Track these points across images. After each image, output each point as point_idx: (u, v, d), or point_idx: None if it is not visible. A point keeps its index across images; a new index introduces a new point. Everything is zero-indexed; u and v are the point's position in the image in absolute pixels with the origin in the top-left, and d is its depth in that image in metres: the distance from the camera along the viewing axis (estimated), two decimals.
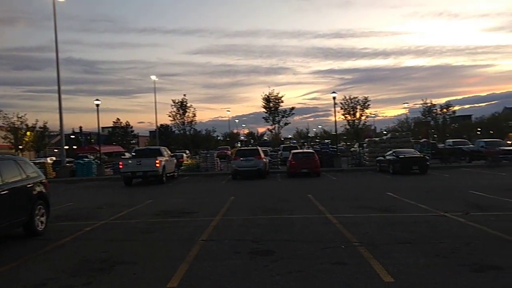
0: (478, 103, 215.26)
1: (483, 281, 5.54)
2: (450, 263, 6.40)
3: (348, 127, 38.95)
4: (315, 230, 9.27)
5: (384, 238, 8.20)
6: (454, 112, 39.85)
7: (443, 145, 40.98)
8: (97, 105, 34.41)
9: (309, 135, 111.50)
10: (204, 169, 31.39)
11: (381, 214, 11.09)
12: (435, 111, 39.14)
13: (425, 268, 6.19)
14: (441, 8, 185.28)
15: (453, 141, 40.10)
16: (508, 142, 66.71)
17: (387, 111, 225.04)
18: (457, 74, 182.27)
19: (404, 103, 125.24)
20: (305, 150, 31.45)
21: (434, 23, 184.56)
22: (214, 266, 6.62)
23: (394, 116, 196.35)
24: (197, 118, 54.22)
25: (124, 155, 45.83)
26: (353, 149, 37.20)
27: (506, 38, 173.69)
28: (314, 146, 45.43)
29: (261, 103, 43.01)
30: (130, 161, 23.90)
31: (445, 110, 39.43)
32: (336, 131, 36.62)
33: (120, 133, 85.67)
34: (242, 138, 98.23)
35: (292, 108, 43.87)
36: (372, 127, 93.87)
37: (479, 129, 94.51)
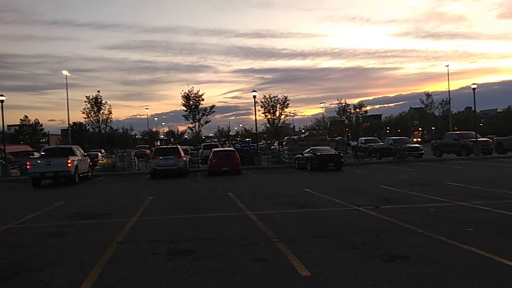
0: (387, 104, 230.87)
1: (392, 270, 5.84)
2: (363, 255, 6.68)
3: (268, 125, 39.61)
4: (235, 228, 9.25)
5: (302, 233, 8.39)
6: (366, 111, 42.53)
7: (356, 142, 43.21)
8: (2, 101, 31.74)
9: (230, 133, 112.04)
10: (121, 169, 30.23)
11: (299, 210, 11.37)
12: (349, 110, 41.45)
13: (339, 260, 6.40)
14: (354, 12, 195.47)
15: (365, 139, 42.47)
16: (414, 140, 72.11)
17: (306, 110, 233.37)
18: (368, 76, 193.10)
19: (321, 103, 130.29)
20: (225, 149, 31.50)
21: (348, 27, 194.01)
22: (129, 269, 6.32)
23: (312, 115, 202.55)
24: (113, 116, 52.11)
25: (33, 154, 42.79)
26: (273, 147, 37.90)
27: (412, 43, 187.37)
28: (235, 145, 45.69)
29: (181, 101, 42.41)
30: (39, 161, 22.32)
31: (358, 110, 41.85)
32: (256, 130, 37.15)
33: (29, 132, 79.99)
34: (162, 136, 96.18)
35: (213, 106, 43.65)
36: (291, 126, 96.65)
37: (388, 127, 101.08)
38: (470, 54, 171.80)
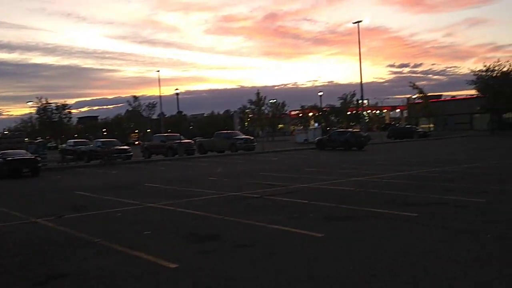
0: (106, 105, 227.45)
1: None
2: (12, 280, 5.47)
3: None
4: None
5: None
6: (70, 112, 39.53)
7: (64, 145, 40.27)
8: None
9: None
10: None
11: None
12: (50, 110, 37.48)
13: None
14: (69, 9, 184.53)
15: (74, 141, 40.00)
16: (137, 142, 72.62)
17: (14, 109, 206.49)
18: (86, 76, 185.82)
19: (28, 102, 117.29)
20: None
21: (63, 23, 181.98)
22: None
23: (22, 115, 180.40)
24: None
25: None
26: None
27: (130, 47, 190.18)
28: None
29: None
30: None
31: (62, 111, 38.56)
32: None
33: None
34: None
35: None
36: None
37: (105, 129, 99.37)
38: (183, 63, 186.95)
